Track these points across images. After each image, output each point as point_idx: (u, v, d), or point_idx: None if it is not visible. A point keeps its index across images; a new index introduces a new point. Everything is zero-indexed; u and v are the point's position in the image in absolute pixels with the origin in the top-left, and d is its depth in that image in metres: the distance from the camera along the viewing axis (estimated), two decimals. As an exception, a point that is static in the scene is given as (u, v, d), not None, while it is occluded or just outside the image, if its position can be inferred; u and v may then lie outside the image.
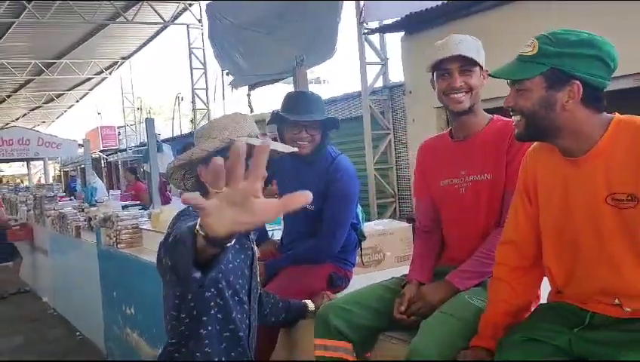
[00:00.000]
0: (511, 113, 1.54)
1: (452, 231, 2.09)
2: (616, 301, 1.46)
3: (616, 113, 1.48)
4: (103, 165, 22.24)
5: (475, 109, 1.99)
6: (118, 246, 4.22)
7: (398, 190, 7.83)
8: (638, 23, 4.65)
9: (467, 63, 1.92)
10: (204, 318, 1.67)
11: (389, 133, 7.79)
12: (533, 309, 1.70)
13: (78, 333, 5.62)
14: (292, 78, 8.98)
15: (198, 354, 1.66)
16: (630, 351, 1.35)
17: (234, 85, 10.12)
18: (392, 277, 2.20)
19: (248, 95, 9.13)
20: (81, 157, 19.29)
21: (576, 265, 1.53)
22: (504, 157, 1.91)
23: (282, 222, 2.83)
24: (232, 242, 0.99)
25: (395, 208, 7.79)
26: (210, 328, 1.67)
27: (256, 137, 1.72)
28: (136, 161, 18.89)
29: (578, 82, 1.41)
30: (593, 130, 1.45)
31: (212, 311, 1.68)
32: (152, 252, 3.84)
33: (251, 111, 9.22)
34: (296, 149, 1.85)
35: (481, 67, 1.95)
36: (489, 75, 1.63)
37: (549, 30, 1.48)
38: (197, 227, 0.99)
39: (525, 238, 1.64)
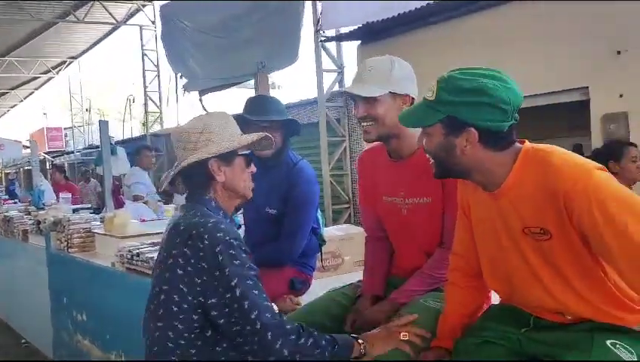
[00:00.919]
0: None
1: (396, 243, 2.13)
2: (557, 312, 1.53)
3: (526, 141, 1.50)
4: (48, 167, 21.52)
5: (398, 135, 1.96)
6: (70, 250, 4.11)
7: (353, 196, 7.93)
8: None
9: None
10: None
11: (345, 140, 7.89)
12: (485, 309, 1.78)
13: (23, 341, 5.42)
14: (248, 83, 8.99)
15: None
16: (575, 350, 1.42)
17: (187, 88, 9.99)
18: (350, 284, 2.25)
19: (200, 100, 9.02)
20: (23, 159, 18.62)
21: (511, 286, 1.59)
22: (440, 181, 1.89)
23: (243, 226, 2.84)
24: None
25: (350, 214, 7.89)
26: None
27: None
28: (83, 163, 18.39)
29: (473, 129, 1.43)
30: (499, 167, 1.47)
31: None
32: (105, 256, 3.75)
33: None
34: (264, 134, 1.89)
35: (397, 95, 1.92)
36: (401, 122, 1.61)
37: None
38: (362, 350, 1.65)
39: (469, 251, 1.71)
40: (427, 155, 1.57)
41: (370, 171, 2.16)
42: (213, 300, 1.55)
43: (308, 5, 7.45)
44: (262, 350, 1.53)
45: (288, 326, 1.55)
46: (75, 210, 5.43)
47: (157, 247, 3.18)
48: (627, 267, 1.29)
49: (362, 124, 1.98)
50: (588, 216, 1.31)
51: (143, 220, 4.48)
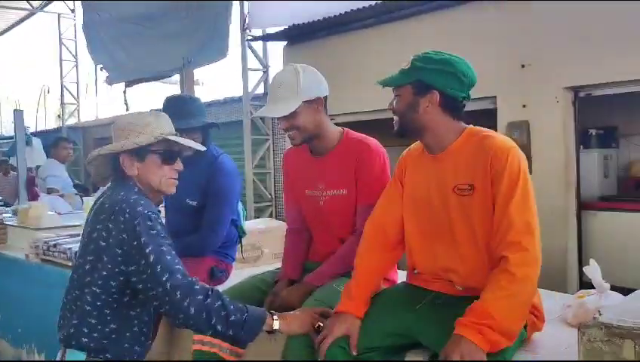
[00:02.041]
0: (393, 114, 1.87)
1: (315, 233, 2.32)
2: (450, 279, 1.79)
3: (471, 125, 1.83)
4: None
5: (319, 135, 2.16)
6: (-22, 243, 3.99)
7: (276, 194, 8.04)
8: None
9: None
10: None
11: (269, 139, 7.98)
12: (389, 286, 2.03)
13: None
14: (171, 78, 8.88)
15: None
16: (438, 325, 1.65)
17: (109, 81, 9.70)
18: (268, 271, 2.39)
19: (124, 92, 8.81)
20: None
21: (429, 244, 1.84)
22: (354, 175, 2.13)
23: (164, 216, 2.88)
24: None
25: (272, 212, 7.99)
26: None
27: (175, 135, 1.88)
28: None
29: (436, 92, 1.75)
30: (448, 132, 1.80)
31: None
32: (18, 248, 3.69)
33: (127, 109, 8.94)
34: (203, 148, 2.05)
35: (310, 101, 2.08)
36: (379, 83, 1.87)
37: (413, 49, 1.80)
38: (275, 326, 1.73)
39: (393, 221, 1.92)
40: (394, 117, 1.84)
41: (294, 167, 2.33)
42: (132, 267, 1.67)
43: (235, 4, 7.47)
44: (172, 308, 1.64)
45: (197, 287, 1.66)
46: (-17, 202, 5.23)
47: (75, 238, 3.20)
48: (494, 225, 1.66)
49: (287, 133, 2.16)
50: (501, 176, 1.66)
51: (59, 213, 4.40)
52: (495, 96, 5.13)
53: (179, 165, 1.89)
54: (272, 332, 1.73)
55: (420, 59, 1.78)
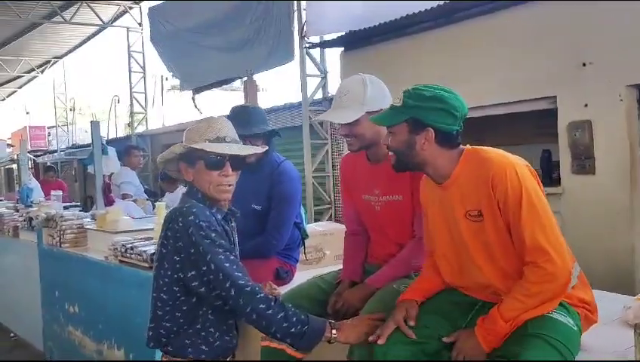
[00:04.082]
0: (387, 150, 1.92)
1: (372, 236, 2.42)
2: (493, 291, 1.83)
3: (467, 145, 1.85)
4: (30, 166, 21.38)
5: (377, 143, 2.22)
6: (62, 245, 4.28)
7: (335, 197, 8.17)
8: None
9: None
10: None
11: (327, 143, 8.13)
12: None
13: (12, 334, 5.55)
14: (236, 84, 9.19)
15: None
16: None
17: (182, 88, 10.16)
18: (330, 272, 2.51)
19: (193, 98, 9.19)
20: (4, 158, 18.50)
21: (457, 266, 1.89)
22: (409, 181, 2.19)
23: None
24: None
25: (331, 214, 8.12)
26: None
27: (237, 141, 1.97)
28: (67, 162, 18.35)
29: (431, 129, 1.78)
30: (447, 163, 1.83)
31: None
32: (97, 251, 3.91)
33: (200, 113, 9.34)
34: (260, 150, 2.16)
35: (372, 112, 2.11)
36: (374, 122, 1.95)
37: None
38: (333, 335, 1.81)
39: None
40: (389, 152, 1.90)
41: (351, 173, 2.43)
42: (192, 273, 1.78)
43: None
44: (235, 312, 1.79)
45: (259, 296, 1.74)
46: (65, 208, 5.59)
47: (149, 242, 3.41)
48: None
49: (346, 139, 2.28)
50: (504, 196, 1.68)
51: (133, 218, 4.66)
52: (555, 96, 5.06)
53: (227, 171, 1.89)
54: (330, 342, 1.83)
55: (413, 97, 1.80)
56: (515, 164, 1.72)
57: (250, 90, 5.51)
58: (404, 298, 1.94)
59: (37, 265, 4.74)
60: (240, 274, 1.78)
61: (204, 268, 1.77)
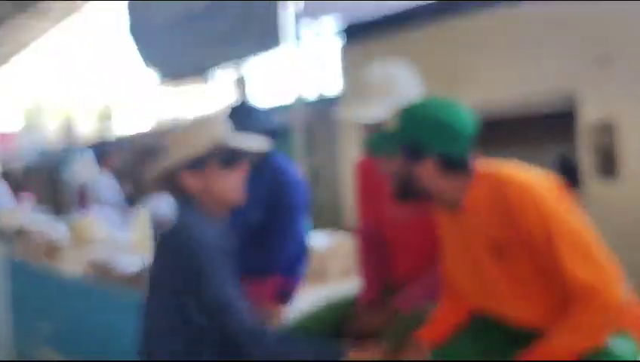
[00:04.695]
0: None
1: (395, 250, 2.09)
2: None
3: (476, 166, 1.56)
4: None
5: None
6: (34, 258, 3.95)
7: (329, 203, 7.86)
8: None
9: None
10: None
11: (321, 146, 7.82)
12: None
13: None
14: (221, 76, 8.86)
15: None
16: None
17: (162, 81, 9.86)
18: (344, 295, 2.17)
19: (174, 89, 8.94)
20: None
21: (478, 295, 1.64)
22: None
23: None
24: None
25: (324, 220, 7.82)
26: None
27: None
28: (36, 168, 17.69)
29: (431, 158, 1.51)
30: (455, 190, 1.55)
31: None
32: (73, 263, 3.63)
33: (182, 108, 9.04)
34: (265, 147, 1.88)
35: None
36: (365, 150, 1.72)
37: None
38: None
39: None
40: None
41: (371, 178, 2.10)
42: (192, 300, 1.58)
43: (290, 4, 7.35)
44: (240, 353, 1.56)
45: (266, 332, 1.56)
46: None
47: (127, 254, 3.12)
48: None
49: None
50: (528, 229, 1.42)
51: (111, 226, 4.35)
52: (574, 96, 4.80)
53: (244, 168, 1.73)
54: None
55: (407, 120, 1.54)
56: (534, 188, 1.45)
57: (240, 85, 5.21)
58: (420, 335, 1.70)
59: (6, 281, 4.38)
60: (245, 305, 1.58)
61: (204, 295, 1.56)
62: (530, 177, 1.48)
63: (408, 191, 1.59)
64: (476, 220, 1.54)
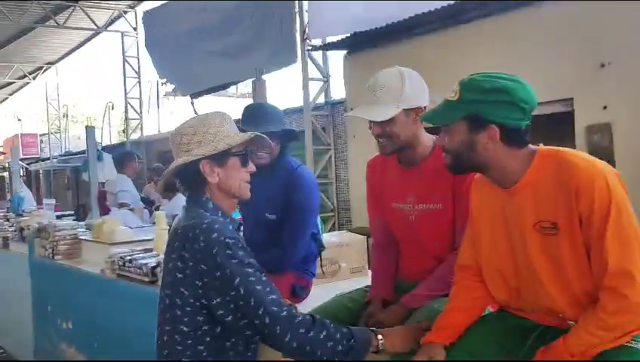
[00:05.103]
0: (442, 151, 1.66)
1: (405, 249, 2.15)
2: (560, 315, 1.58)
3: (541, 144, 1.59)
4: (21, 174, 21.05)
5: (412, 145, 1.99)
6: (55, 257, 4.03)
7: (337, 205, 7.94)
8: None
9: None
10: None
11: (330, 149, 7.91)
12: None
13: (1, 350, 5.29)
14: (236, 90, 8.98)
15: None
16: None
17: (177, 92, 9.96)
18: (357, 289, 2.24)
19: (192, 103, 9.00)
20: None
21: (514, 284, 1.64)
22: (450, 187, 1.95)
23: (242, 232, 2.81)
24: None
25: (335, 222, 7.89)
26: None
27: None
28: (59, 170, 18.03)
29: (495, 126, 1.51)
30: (517, 164, 1.55)
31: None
32: (93, 263, 3.70)
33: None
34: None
35: (410, 109, 1.92)
36: (424, 120, 1.72)
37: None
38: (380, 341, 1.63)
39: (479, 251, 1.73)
40: (443, 153, 1.64)
41: (379, 178, 2.17)
42: (217, 299, 1.57)
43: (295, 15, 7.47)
44: (272, 343, 1.59)
45: (298, 319, 1.56)
46: (58, 217, 5.35)
47: (149, 254, 3.18)
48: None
49: (378, 139, 2.00)
50: (589, 210, 1.43)
51: (131, 227, 4.42)
52: (572, 98, 4.87)
53: (252, 167, 1.82)
54: (377, 352, 1.64)
55: (470, 89, 1.54)
56: (606, 173, 1.45)
57: (259, 90, 5.29)
58: (429, 339, 1.69)
59: (28, 278, 4.47)
60: (274, 297, 1.58)
61: (233, 294, 1.56)
62: (598, 161, 1.49)
63: (466, 163, 1.59)
64: (532, 198, 1.53)
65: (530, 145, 1.57)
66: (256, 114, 2.52)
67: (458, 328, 1.70)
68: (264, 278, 1.61)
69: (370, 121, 1.97)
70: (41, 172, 19.38)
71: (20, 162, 20.65)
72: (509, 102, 1.50)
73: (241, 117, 2.55)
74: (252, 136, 1.78)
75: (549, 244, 1.52)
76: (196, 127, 1.74)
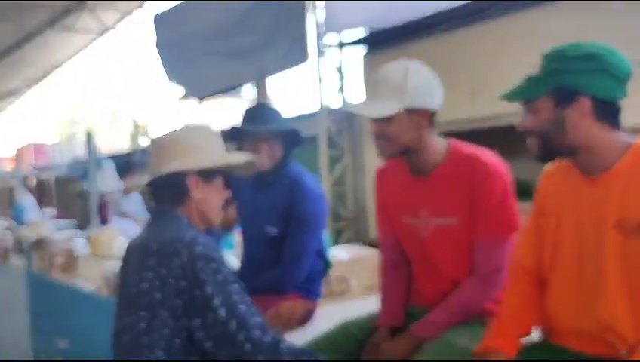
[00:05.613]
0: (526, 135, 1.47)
1: (418, 270, 1.90)
2: (610, 340, 1.38)
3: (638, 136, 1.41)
4: (34, 183, 21.05)
5: (417, 150, 1.74)
6: (52, 271, 3.87)
7: (355, 214, 7.64)
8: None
9: None
10: None
11: (346, 154, 7.63)
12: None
13: (-3, 365, 5.12)
14: (243, 92, 8.84)
15: None
16: None
17: (187, 96, 9.84)
18: (365, 315, 1.99)
19: (199, 106, 8.94)
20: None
21: (574, 292, 1.46)
22: (467, 198, 1.71)
23: (238, 248, 2.59)
24: None
25: (350, 233, 7.59)
26: None
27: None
28: (69, 178, 17.92)
29: (585, 97, 1.35)
30: (610, 148, 1.38)
31: None
32: (90, 278, 3.53)
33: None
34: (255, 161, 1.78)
35: (413, 111, 1.68)
36: (504, 98, 1.47)
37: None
38: None
39: (538, 258, 1.55)
40: (527, 139, 1.46)
41: (388, 189, 1.91)
42: (196, 321, 1.44)
43: (310, 15, 7.23)
44: None
45: (282, 347, 1.44)
46: (59, 227, 5.21)
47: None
48: None
49: (375, 140, 1.76)
50: None
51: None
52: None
53: (228, 193, 1.69)
54: None
55: (554, 59, 1.38)
56: None
57: (262, 92, 5.12)
58: (489, 344, 1.49)
59: (25, 293, 4.30)
60: (259, 321, 1.44)
61: (211, 316, 1.41)
62: None
63: (556, 147, 1.42)
64: (619, 190, 1.36)
65: (626, 135, 1.38)
66: (258, 113, 2.32)
67: (517, 337, 1.52)
68: (247, 298, 1.48)
69: (371, 120, 1.72)
70: (51, 180, 19.34)
71: (33, 170, 20.73)
72: (599, 69, 1.34)
73: (241, 119, 2.36)
74: (249, 158, 1.71)
75: (630, 248, 1.33)
76: (185, 135, 1.64)
